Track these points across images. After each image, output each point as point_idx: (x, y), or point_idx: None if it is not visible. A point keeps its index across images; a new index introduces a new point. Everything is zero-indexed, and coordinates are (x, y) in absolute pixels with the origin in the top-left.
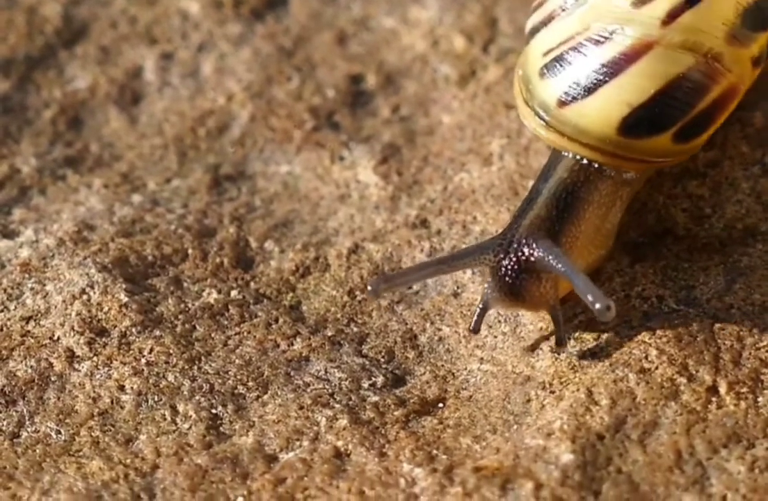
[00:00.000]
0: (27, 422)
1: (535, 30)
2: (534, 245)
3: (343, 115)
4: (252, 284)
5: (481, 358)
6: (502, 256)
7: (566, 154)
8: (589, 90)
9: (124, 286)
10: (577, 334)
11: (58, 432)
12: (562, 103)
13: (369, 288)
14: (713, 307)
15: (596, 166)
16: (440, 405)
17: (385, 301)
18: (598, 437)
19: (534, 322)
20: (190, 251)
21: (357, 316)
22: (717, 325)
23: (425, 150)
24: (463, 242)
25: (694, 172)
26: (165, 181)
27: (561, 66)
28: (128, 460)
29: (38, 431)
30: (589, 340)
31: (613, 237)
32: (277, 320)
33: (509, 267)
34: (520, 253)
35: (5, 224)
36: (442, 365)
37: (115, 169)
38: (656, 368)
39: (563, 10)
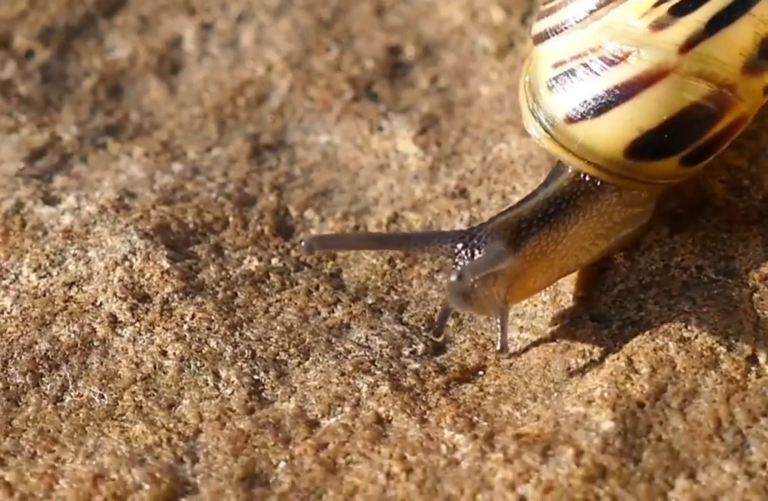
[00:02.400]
0: (70, 386)
1: (545, 36)
2: (484, 245)
3: (381, 86)
4: (292, 252)
5: (521, 327)
6: (459, 247)
7: (568, 168)
8: (600, 111)
9: (165, 252)
10: (617, 303)
11: (102, 396)
12: (570, 120)
13: (303, 243)
14: (752, 278)
15: (598, 182)
16: (480, 373)
17: (425, 270)
18: (638, 405)
19: (573, 290)
20: (230, 219)
21: (397, 284)
22: (756, 296)
23: (464, 121)
24: None
25: (733, 144)
26: (205, 150)
27: (571, 81)
28: (171, 425)
29: (81, 395)
30: (629, 309)
31: (589, 259)
32: (317, 288)
33: (460, 264)
34: (474, 251)
35: (47, 191)
36: (482, 333)
37: (155, 138)
38: (696, 337)
39: (576, 21)
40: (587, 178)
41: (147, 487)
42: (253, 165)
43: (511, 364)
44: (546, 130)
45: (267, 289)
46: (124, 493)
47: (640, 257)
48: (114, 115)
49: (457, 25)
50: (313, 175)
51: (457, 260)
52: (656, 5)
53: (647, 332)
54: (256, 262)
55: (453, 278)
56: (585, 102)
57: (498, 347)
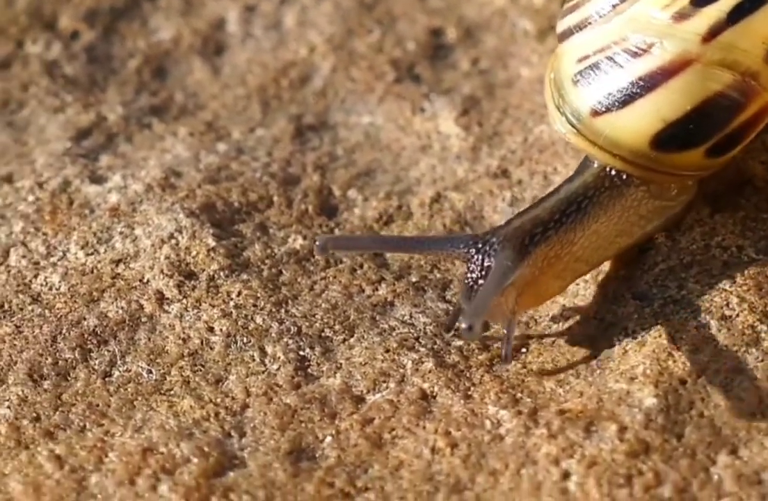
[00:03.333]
0: (118, 362)
1: (569, 32)
2: (494, 254)
3: (423, 68)
4: (336, 231)
5: (563, 305)
6: (473, 253)
7: (594, 163)
8: (624, 102)
9: (211, 231)
10: (659, 282)
11: (149, 371)
12: (596, 113)
13: (317, 243)
14: None
15: (624, 176)
16: (523, 350)
17: None
18: (680, 382)
19: (616, 270)
20: (275, 198)
21: (440, 263)
22: None
23: (505, 102)
24: (545, 192)
25: None
26: (249, 131)
27: (596, 75)
28: (218, 400)
29: (129, 370)
30: (671, 287)
31: (612, 254)
32: (361, 266)
33: (473, 269)
34: (484, 259)
35: (93, 170)
36: (525, 311)
37: (199, 118)
38: (737, 315)
39: (600, 16)
40: (613, 172)
41: (195, 460)
42: (297, 145)
43: (553, 342)
44: (572, 125)
45: (311, 267)
46: (172, 467)
47: (681, 237)
48: (159, 95)
49: (498, 8)
50: (355, 155)
51: (470, 266)
52: None
53: (689, 310)
54: (300, 241)
55: (463, 326)
56: (610, 94)
57: (502, 356)
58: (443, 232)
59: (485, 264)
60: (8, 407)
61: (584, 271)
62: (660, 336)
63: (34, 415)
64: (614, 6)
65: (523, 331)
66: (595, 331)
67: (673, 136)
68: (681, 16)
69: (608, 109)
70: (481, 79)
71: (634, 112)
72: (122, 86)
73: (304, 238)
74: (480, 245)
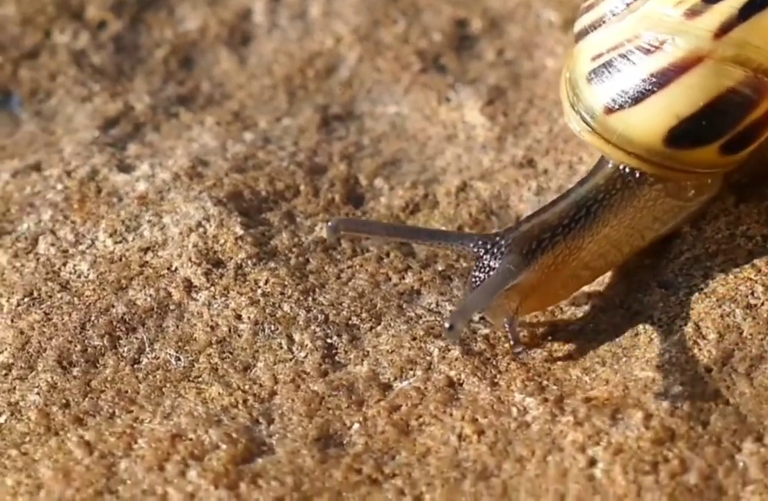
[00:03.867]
0: (147, 349)
1: (585, 32)
2: (500, 257)
3: (449, 58)
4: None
5: (589, 294)
6: (482, 253)
7: (608, 162)
8: (637, 99)
9: (239, 219)
10: (684, 271)
11: (178, 358)
12: (609, 110)
13: (329, 224)
14: None
15: (637, 175)
16: (549, 338)
17: None
18: (705, 370)
19: (641, 258)
20: (302, 187)
21: None
22: None
23: (530, 93)
24: (570, 182)
25: None
26: (275, 120)
27: (609, 72)
28: (246, 386)
29: (158, 358)
30: (696, 276)
31: (623, 259)
32: (388, 255)
33: (480, 268)
34: (491, 260)
35: (121, 159)
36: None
37: (226, 108)
38: (762, 304)
39: (614, 14)
40: (627, 171)
41: (224, 446)
42: (323, 135)
43: (579, 330)
44: (586, 123)
45: (338, 256)
46: (201, 453)
47: (706, 226)
48: (185, 85)
49: None
50: (381, 145)
51: (478, 264)
52: None
53: (714, 299)
54: None
55: (446, 324)
56: (623, 91)
57: (511, 344)
58: (469, 222)
59: (491, 265)
60: (38, 394)
61: (591, 278)
62: (686, 324)
63: (64, 401)
64: (628, 4)
65: (549, 319)
66: (621, 320)
67: (686, 133)
68: (693, 13)
69: (621, 107)
70: (506, 70)
71: (646, 108)
72: (149, 76)
73: None
74: (489, 246)
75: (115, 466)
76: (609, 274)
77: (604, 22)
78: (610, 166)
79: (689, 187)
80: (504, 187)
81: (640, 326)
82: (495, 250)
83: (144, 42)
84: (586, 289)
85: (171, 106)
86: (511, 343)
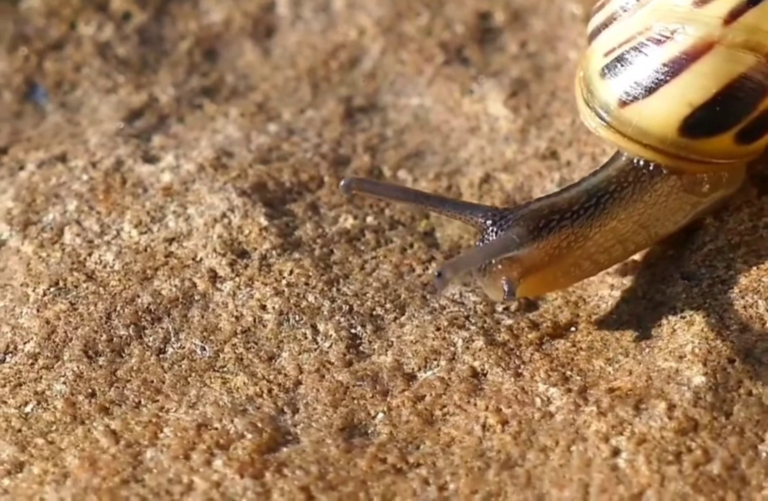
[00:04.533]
0: (172, 339)
1: (597, 32)
2: (506, 229)
3: (472, 51)
4: (386, 211)
5: (612, 285)
6: (488, 224)
7: (622, 156)
8: (650, 90)
9: (263, 210)
10: (707, 262)
11: (203, 348)
12: (623, 103)
13: (342, 182)
14: None
15: (651, 167)
16: (572, 329)
17: None
18: (728, 361)
19: (664, 250)
20: (326, 178)
21: None
22: None
23: (553, 85)
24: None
25: None
26: (299, 112)
27: (622, 66)
28: (271, 376)
29: (183, 347)
30: (719, 268)
31: (628, 255)
32: (411, 245)
33: (485, 240)
34: (498, 231)
35: (146, 150)
36: (574, 291)
37: (250, 100)
38: None
39: (624, 10)
40: (641, 164)
41: (249, 436)
42: (346, 126)
43: (602, 321)
44: (601, 118)
45: (362, 247)
46: (227, 442)
47: (728, 217)
48: (210, 77)
49: None
50: (405, 136)
51: (484, 235)
52: None
53: (737, 290)
54: (351, 221)
55: (435, 274)
56: (636, 83)
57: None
58: None
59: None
60: (64, 383)
61: (592, 271)
62: (708, 315)
63: (90, 390)
64: (638, 0)
65: (572, 310)
66: (644, 311)
67: (700, 121)
68: (702, 1)
69: (635, 98)
70: (529, 62)
71: (660, 98)
72: (174, 68)
73: (355, 218)
74: (497, 218)
75: (141, 454)
76: (632, 265)
77: (615, 19)
78: (623, 158)
79: (705, 181)
80: (527, 178)
81: (663, 317)
82: (502, 223)
83: (168, 34)
84: (609, 280)
85: (195, 97)
86: (506, 296)
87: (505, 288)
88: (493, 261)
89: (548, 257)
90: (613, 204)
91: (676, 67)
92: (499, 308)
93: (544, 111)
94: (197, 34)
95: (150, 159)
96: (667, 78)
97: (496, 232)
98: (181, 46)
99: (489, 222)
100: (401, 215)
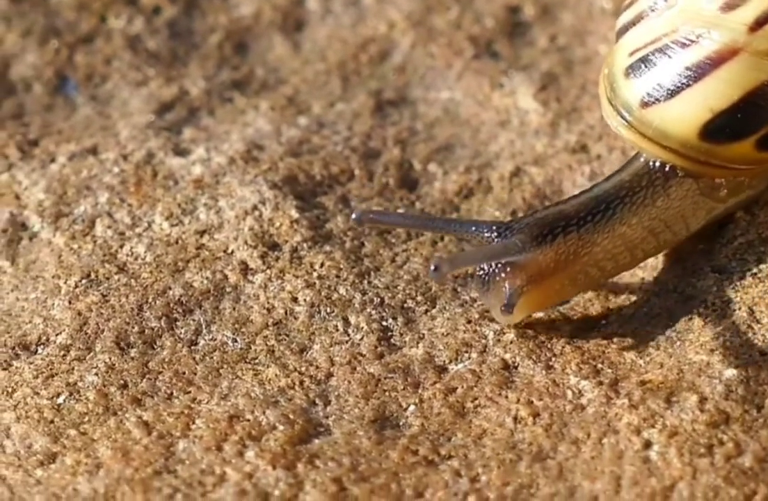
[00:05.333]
0: (204, 330)
1: (624, 30)
2: (507, 238)
3: (501, 45)
4: (417, 204)
5: (642, 278)
6: (495, 236)
7: (640, 158)
8: (673, 93)
9: (294, 203)
10: (738, 256)
11: (234, 340)
12: (645, 104)
13: (353, 215)
14: None
15: (667, 169)
16: (603, 322)
17: None
18: (760, 354)
19: (695, 243)
20: (356, 171)
21: None
22: None
23: (583, 79)
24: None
25: None
26: (329, 105)
27: (646, 67)
28: (303, 368)
29: (215, 339)
30: (750, 261)
31: (636, 263)
32: (442, 238)
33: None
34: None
35: (177, 143)
36: (604, 284)
37: (280, 93)
38: None
39: (652, 10)
40: (656, 167)
41: (281, 427)
42: (377, 120)
43: (633, 314)
44: (623, 118)
45: (393, 240)
46: (259, 433)
47: (759, 211)
48: (240, 70)
49: None
50: (435, 130)
51: None
52: None
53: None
54: None
55: (431, 267)
56: (659, 85)
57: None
58: (523, 206)
59: None
60: (96, 374)
61: (600, 279)
62: (740, 309)
63: (122, 382)
64: (666, 0)
65: (603, 304)
66: (675, 304)
67: (721, 127)
68: (728, 7)
69: (657, 100)
70: (559, 56)
71: (682, 102)
72: (204, 61)
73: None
74: (502, 230)
75: (174, 446)
76: (662, 259)
77: (642, 18)
78: (639, 162)
79: (723, 186)
80: (557, 172)
81: (694, 310)
82: (507, 234)
83: (198, 27)
84: (639, 273)
85: (225, 90)
86: (503, 306)
87: (506, 294)
88: (497, 270)
89: (554, 263)
90: (623, 209)
91: (699, 72)
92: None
93: (574, 105)
94: (227, 27)
95: (181, 152)
96: (690, 82)
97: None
98: (211, 39)
99: (494, 235)
100: (431, 208)
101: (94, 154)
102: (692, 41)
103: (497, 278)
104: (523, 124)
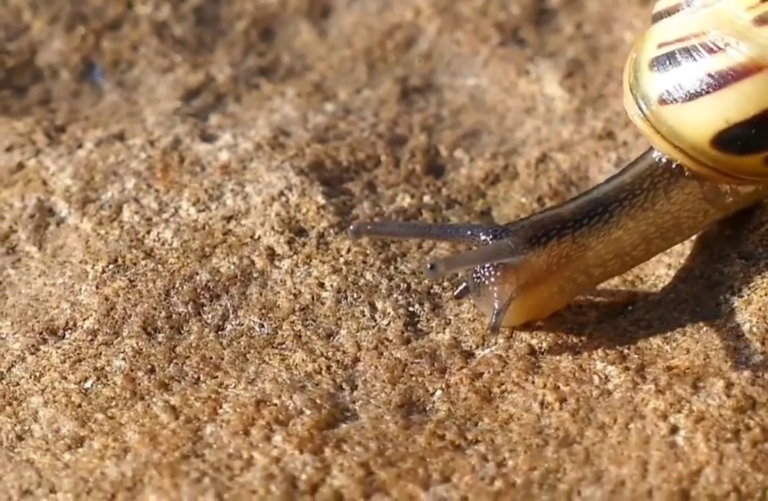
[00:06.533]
0: (231, 316)
1: (659, 16)
2: (501, 240)
3: (527, 32)
4: (443, 190)
5: (669, 264)
6: (490, 238)
7: (643, 161)
8: (691, 96)
9: (320, 189)
10: (765, 242)
11: (261, 325)
12: (663, 101)
13: (351, 228)
14: None
15: (673, 170)
16: (630, 307)
17: None
18: None
19: (721, 229)
20: (383, 158)
21: None
22: None
23: (609, 66)
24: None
25: None
26: (355, 92)
27: (670, 64)
28: (330, 353)
29: (242, 324)
30: None
31: (627, 267)
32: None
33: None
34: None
35: (203, 129)
36: (631, 271)
37: (306, 79)
38: None
39: (688, 5)
40: (663, 163)
41: (308, 412)
42: (403, 106)
43: (659, 300)
44: (640, 109)
45: None
46: (286, 418)
47: None
48: (266, 57)
49: None
50: (461, 116)
51: None
52: (764, 0)
53: None
54: (408, 199)
55: (428, 265)
56: (679, 85)
57: (490, 329)
58: (549, 193)
59: None
60: (123, 359)
61: (587, 286)
62: (766, 294)
63: (149, 366)
64: None
65: (629, 289)
66: (702, 290)
67: (733, 138)
68: (762, 21)
69: (675, 100)
70: (584, 43)
71: (699, 107)
72: (230, 47)
73: (412, 196)
74: (498, 232)
75: (201, 430)
76: (689, 245)
77: (678, 10)
78: (642, 164)
79: (729, 193)
80: (584, 158)
81: (721, 296)
82: (501, 236)
83: (225, 14)
84: (666, 259)
85: (252, 77)
86: (489, 331)
87: (494, 314)
88: (488, 273)
89: (546, 265)
90: (621, 213)
91: (720, 82)
92: None
93: (600, 91)
94: (253, 14)
95: (207, 138)
96: (710, 89)
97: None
98: (237, 26)
99: (490, 237)
100: (458, 194)
101: (120, 140)
102: (720, 49)
103: (487, 283)
104: (549, 111)
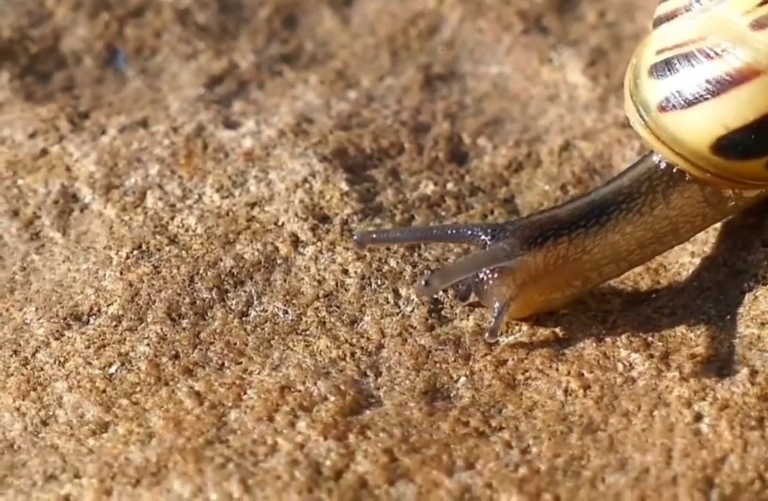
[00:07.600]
0: (255, 302)
1: (659, 21)
2: (502, 239)
3: (550, 20)
4: (467, 178)
5: (693, 252)
6: (489, 238)
7: (642, 164)
8: (690, 103)
9: (344, 176)
10: None
11: (285, 312)
12: (662, 108)
13: (355, 237)
14: None
15: (673, 174)
16: (653, 295)
17: None
18: None
19: (745, 218)
20: (406, 145)
21: None
22: None
23: (631, 54)
24: None
25: None
26: (378, 79)
27: (669, 70)
28: (354, 340)
29: (266, 311)
30: None
31: (622, 270)
32: (492, 212)
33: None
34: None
35: (227, 116)
36: (655, 258)
37: (329, 67)
38: None
39: (687, 10)
40: (664, 168)
41: (332, 398)
42: (426, 94)
43: (683, 288)
44: (641, 116)
45: (443, 213)
46: (310, 404)
47: None
48: (289, 44)
49: None
50: (484, 104)
51: (483, 249)
52: (761, 4)
53: None
54: (431, 187)
55: (421, 282)
56: (678, 92)
57: (489, 330)
58: (572, 180)
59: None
60: (148, 345)
61: (582, 289)
62: None
63: (173, 352)
64: (701, 3)
65: (653, 277)
66: (725, 278)
67: (733, 144)
68: (758, 25)
69: (674, 107)
70: (607, 32)
71: (697, 114)
72: (253, 35)
73: (435, 184)
74: (496, 231)
75: (225, 416)
76: (712, 233)
77: (677, 16)
78: (641, 167)
79: (731, 198)
80: (607, 146)
81: (745, 284)
82: (501, 236)
83: (248, 1)
84: (689, 247)
85: (275, 64)
86: (488, 332)
87: (495, 314)
88: (487, 276)
89: (543, 266)
90: (619, 217)
91: (718, 88)
92: None
93: (623, 80)
94: (276, 1)
95: (231, 124)
96: (708, 96)
97: (493, 244)
98: (260, 13)
99: (489, 237)
100: (481, 182)
101: (144, 126)
102: (717, 54)
103: (486, 286)
104: (572, 99)
